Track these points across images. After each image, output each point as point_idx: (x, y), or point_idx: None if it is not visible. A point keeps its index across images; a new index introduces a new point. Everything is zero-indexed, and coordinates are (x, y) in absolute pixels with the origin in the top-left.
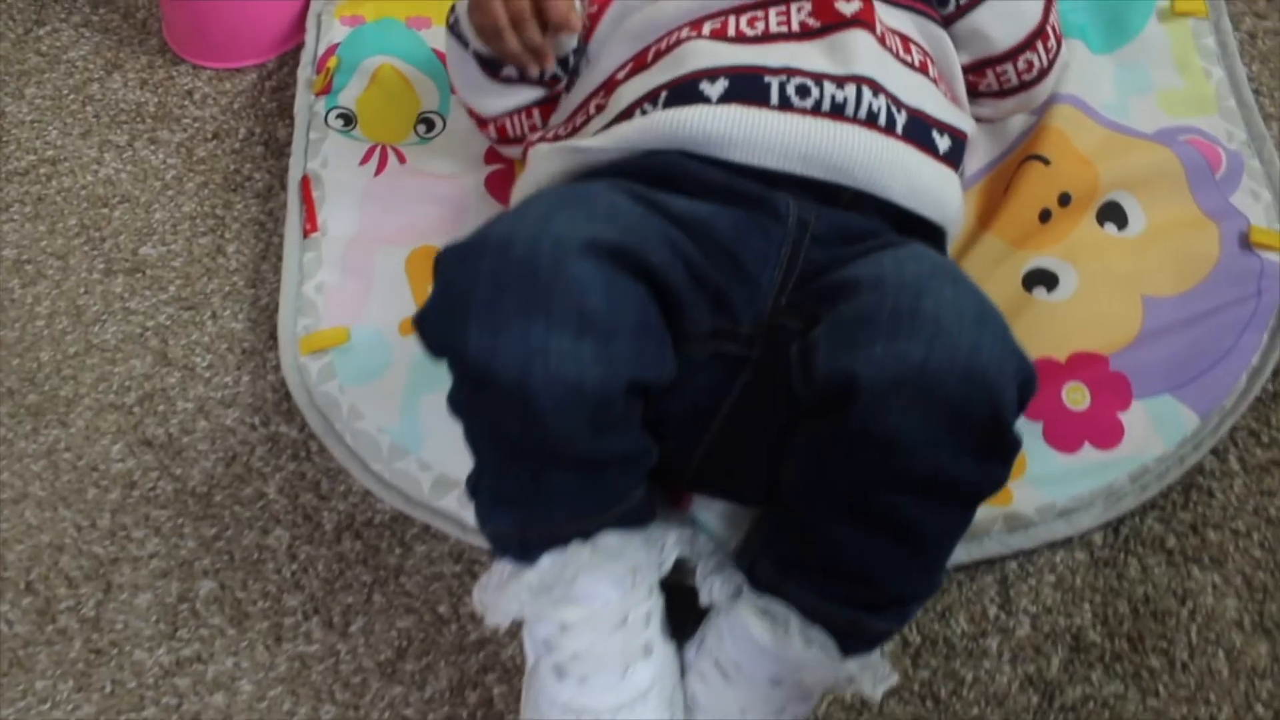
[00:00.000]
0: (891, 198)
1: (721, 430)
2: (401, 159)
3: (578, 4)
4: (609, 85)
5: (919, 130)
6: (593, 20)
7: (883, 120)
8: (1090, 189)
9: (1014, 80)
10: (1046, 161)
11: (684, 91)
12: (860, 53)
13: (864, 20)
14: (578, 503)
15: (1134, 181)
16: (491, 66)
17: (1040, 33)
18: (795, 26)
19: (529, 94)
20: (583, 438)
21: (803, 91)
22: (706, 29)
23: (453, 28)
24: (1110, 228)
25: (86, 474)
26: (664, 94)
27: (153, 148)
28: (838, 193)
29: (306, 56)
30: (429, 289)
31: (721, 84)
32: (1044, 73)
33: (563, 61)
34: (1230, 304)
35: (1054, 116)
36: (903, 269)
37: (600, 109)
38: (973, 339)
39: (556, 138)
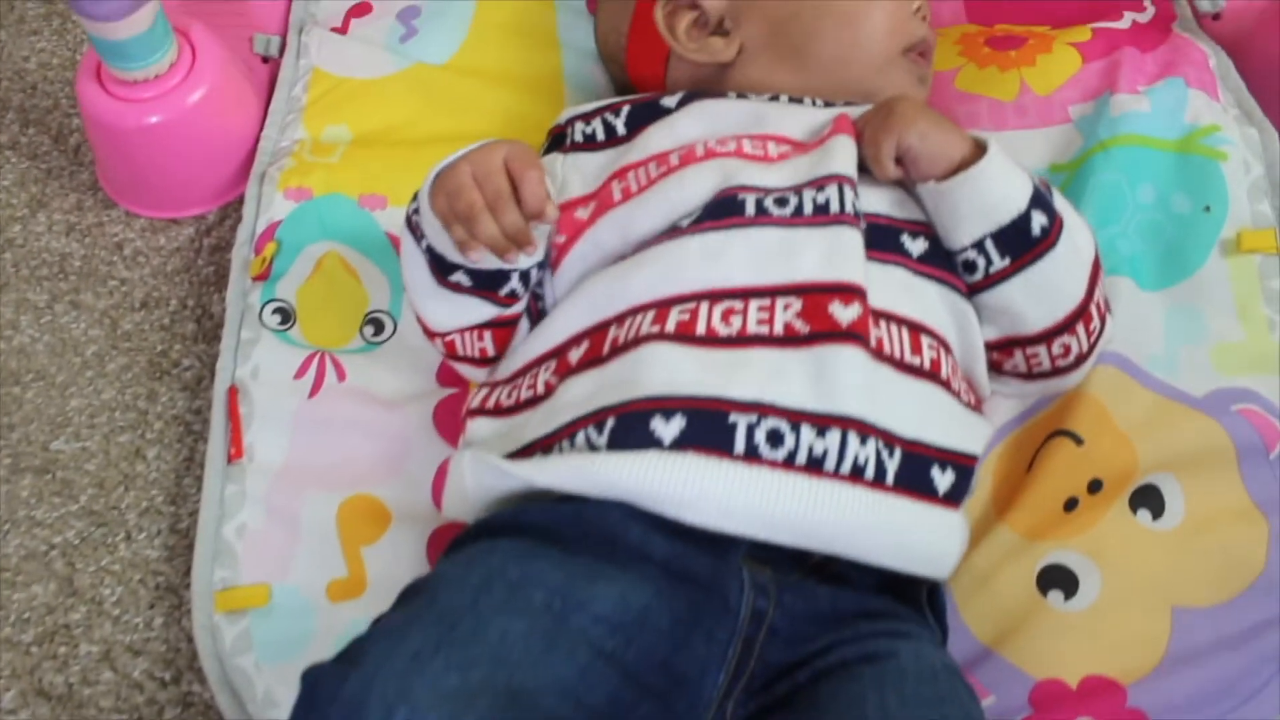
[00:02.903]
0: (872, 561)
1: None
2: (341, 374)
3: (550, 211)
4: (561, 363)
5: (915, 473)
6: (560, 251)
7: (870, 473)
8: (1126, 472)
9: (1046, 365)
10: (1079, 440)
11: (633, 428)
12: (849, 381)
13: (858, 333)
14: None
15: (1177, 462)
16: (442, 269)
17: (1082, 313)
18: (778, 328)
19: (479, 310)
20: None
21: (774, 439)
22: (673, 320)
23: (409, 219)
24: (1144, 516)
25: None
26: (611, 422)
27: (74, 314)
28: (806, 553)
29: (244, 233)
30: (359, 552)
31: (678, 423)
32: (1082, 358)
33: (523, 277)
34: (1270, 625)
35: (1092, 381)
36: None
37: (549, 391)
38: None
39: (499, 408)
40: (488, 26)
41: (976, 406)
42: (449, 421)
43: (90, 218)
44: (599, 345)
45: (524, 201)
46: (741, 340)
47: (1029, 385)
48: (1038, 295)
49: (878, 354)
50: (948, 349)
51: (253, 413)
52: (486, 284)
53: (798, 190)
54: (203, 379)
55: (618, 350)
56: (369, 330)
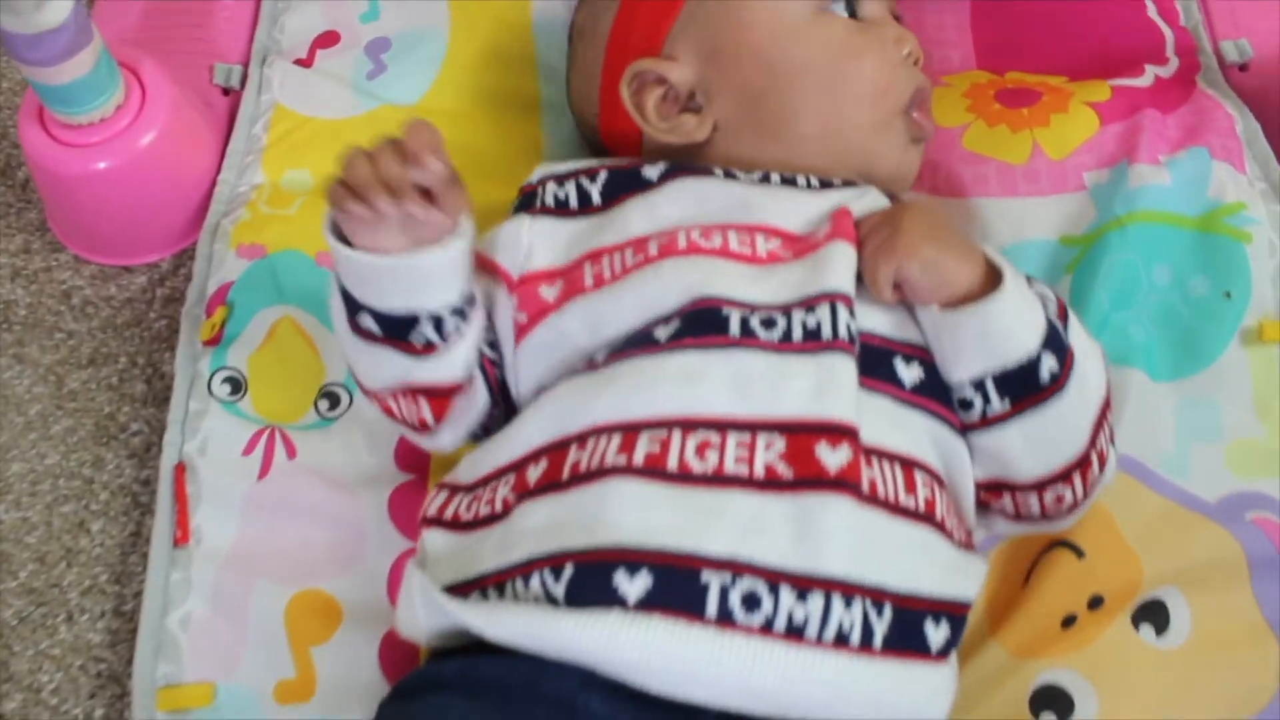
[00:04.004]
0: None
1: None
2: (291, 451)
3: (432, 163)
4: (519, 479)
5: (906, 631)
6: (521, 330)
7: (856, 638)
8: (1130, 587)
9: (1035, 512)
10: (1080, 553)
11: (594, 582)
12: (835, 537)
13: (848, 480)
14: None
15: (1185, 575)
16: (351, 309)
17: (1081, 463)
18: (759, 470)
19: (395, 363)
20: None
21: (750, 602)
22: (641, 450)
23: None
24: (1147, 632)
25: None
26: (570, 570)
27: (18, 369)
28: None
29: (194, 294)
30: (308, 652)
31: (644, 580)
32: (1075, 506)
33: (437, 324)
34: None
35: None
36: None
37: (506, 510)
38: None
39: (456, 520)
40: (461, 64)
41: (968, 543)
42: (405, 511)
43: (38, 261)
44: (558, 466)
45: (404, 145)
46: (718, 480)
47: (1015, 526)
48: (1035, 444)
49: (870, 498)
50: (941, 484)
51: (200, 492)
52: (394, 331)
53: (787, 310)
54: (151, 446)
55: (579, 478)
56: (324, 404)
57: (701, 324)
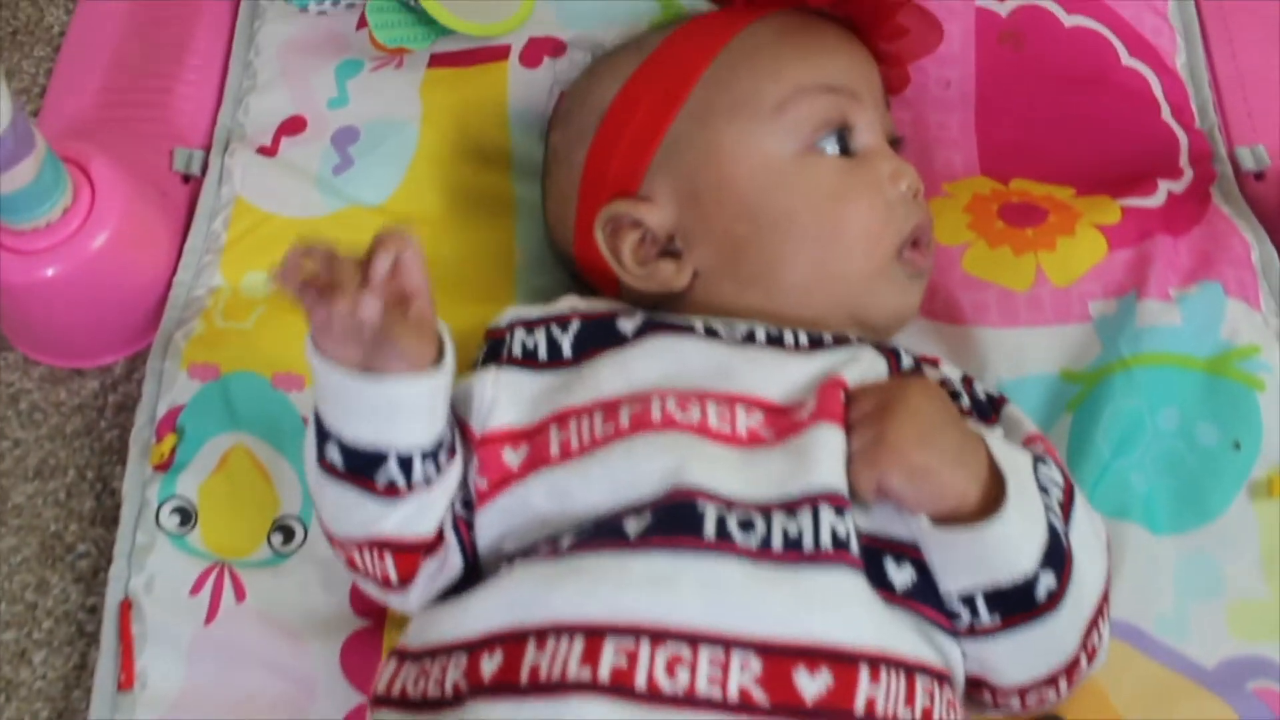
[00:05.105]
0: None
1: None
2: (240, 594)
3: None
4: (472, 664)
5: None
6: (481, 497)
7: None
8: None
9: (1016, 708)
10: None
11: None
12: None
13: (828, 710)
14: None
15: None
16: (319, 437)
17: (1070, 667)
18: (733, 693)
19: (360, 506)
20: None
21: None
22: (606, 663)
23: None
24: None
25: None
26: None
27: None
28: None
29: (143, 415)
30: None
31: None
32: (1057, 701)
33: (404, 466)
34: None
35: None
36: None
37: (458, 699)
38: None
39: (404, 697)
40: (431, 157)
41: None
42: (357, 662)
43: None
44: (515, 665)
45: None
46: (689, 702)
47: (995, 712)
48: (1022, 656)
49: (867, 717)
50: (942, 683)
51: (145, 633)
52: (359, 468)
53: (766, 511)
54: (99, 570)
55: (539, 688)
56: (277, 539)
57: (675, 521)
